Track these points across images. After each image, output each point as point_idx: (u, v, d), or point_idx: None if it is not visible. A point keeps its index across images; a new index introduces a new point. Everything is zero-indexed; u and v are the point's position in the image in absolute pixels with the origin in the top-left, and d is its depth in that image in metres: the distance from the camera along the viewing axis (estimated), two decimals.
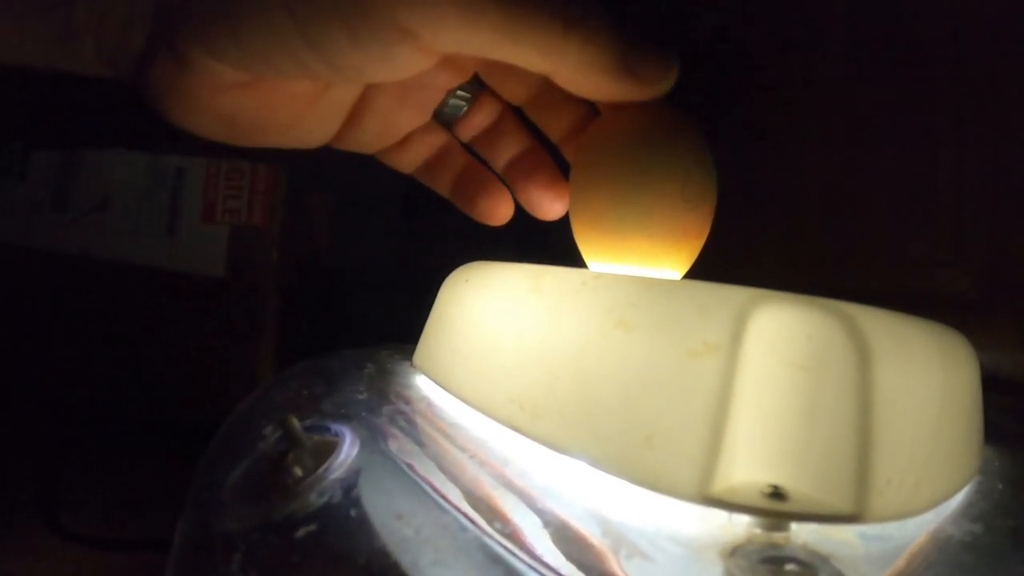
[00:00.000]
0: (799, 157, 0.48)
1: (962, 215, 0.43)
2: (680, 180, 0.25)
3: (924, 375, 0.18)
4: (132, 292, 0.55)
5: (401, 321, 0.32)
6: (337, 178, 0.61)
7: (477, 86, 0.32)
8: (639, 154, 0.25)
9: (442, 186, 0.33)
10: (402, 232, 0.72)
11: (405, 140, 0.32)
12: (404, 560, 0.17)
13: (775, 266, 0.48)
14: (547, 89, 0.30)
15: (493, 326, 0.23)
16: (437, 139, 0.33)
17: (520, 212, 0.33)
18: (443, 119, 0.32)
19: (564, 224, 0.29)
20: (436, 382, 0.26)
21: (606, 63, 0.24)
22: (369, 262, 0.70)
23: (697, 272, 0.27)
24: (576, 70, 0.24)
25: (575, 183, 0.28)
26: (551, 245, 0.30)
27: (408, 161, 0.33)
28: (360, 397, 0.26)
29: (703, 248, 0.27)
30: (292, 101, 0.28)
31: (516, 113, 0.33)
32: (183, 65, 0.25)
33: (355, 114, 0.30)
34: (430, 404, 0.25)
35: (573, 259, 0.26)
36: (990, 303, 0.42)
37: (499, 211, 0.32)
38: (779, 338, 0.17)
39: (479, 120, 0.32)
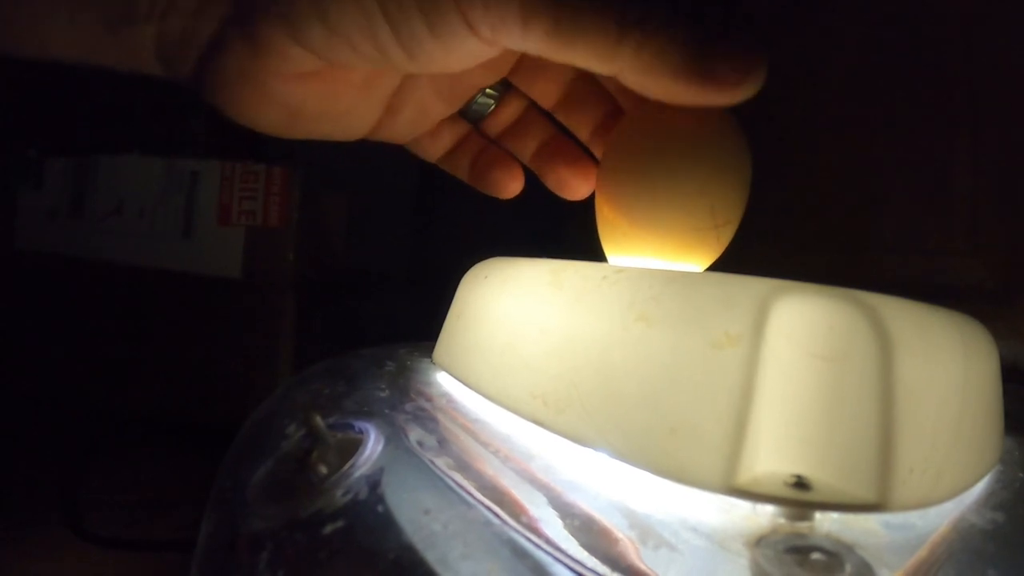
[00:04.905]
0: (814, 147, 0.48)
1: (978, 205, 0.43)
2: (712, 180, 0.25)
3: (946, 364, 0.18)
4: (150, 295, 0.55)
5: (417, 319, 0.33)
6: (350, 179, 0.62)
7: (505, 87, 0.33)
8: (671, 149, 0.25)
9: (461, 171, 0.34)
10: (415, 231, 0.72)
11: (435, 130, 0.33)
12: (432, 556, 0.17)
13: (790, 257, 0.48)
14: (574, 89, 0.31)
15: (514, 321, 0.23)
16: (461, 128, 0.34)
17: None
18: (470, 116, 0.34)
19: (577, 220, 0.29)
20: (457, 378, 0.26)
21: (669, 66, 0.23)
22: (384, 261, 0.70)
23: (713, 263, 0.27)
24: (638, 74, 0.24)
25: (603, 177, 0.27)
26: (565, 241, 0.30)
27: (435, 150, 0.34)
28: (382, 395, 0.26)
29: None
30: (349, 90, 0.28)
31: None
32: (258, 51, 0.25)
33: (394, 105, 0.30)
34: (452, 400, 0.25)
35: (587, 255, 0.26)
36: (1007, 293, 0.42)
37: (509, 184, 0.33)
38: (801, 328, 0.17)
39: (504, 118, 0.34)
